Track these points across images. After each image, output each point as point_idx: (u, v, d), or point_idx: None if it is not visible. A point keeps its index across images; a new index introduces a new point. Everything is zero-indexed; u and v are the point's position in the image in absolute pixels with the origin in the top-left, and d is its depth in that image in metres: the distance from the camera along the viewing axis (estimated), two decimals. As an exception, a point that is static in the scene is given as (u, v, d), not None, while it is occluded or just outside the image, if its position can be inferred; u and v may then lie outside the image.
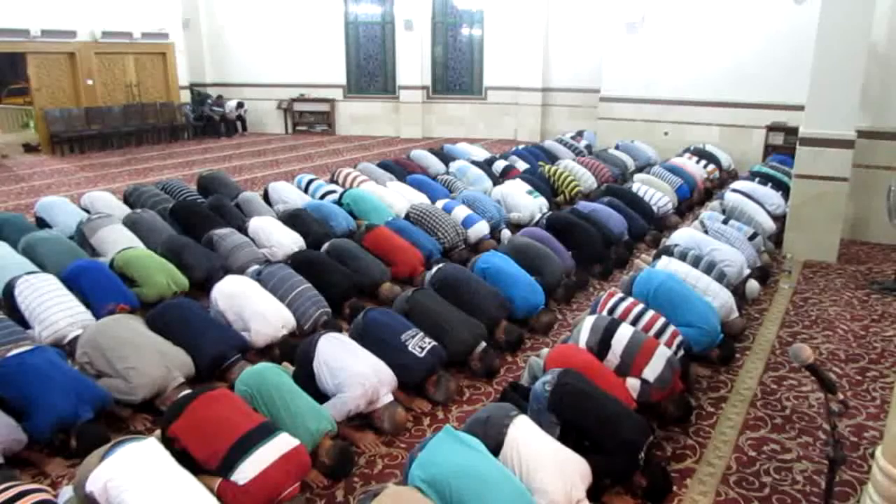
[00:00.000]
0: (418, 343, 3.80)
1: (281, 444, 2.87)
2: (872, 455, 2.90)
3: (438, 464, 2.64)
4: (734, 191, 7.07)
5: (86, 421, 3.26)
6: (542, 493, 2.64)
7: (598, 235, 6.03)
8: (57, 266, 4.74)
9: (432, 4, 14.47)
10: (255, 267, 5.02)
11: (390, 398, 3.55)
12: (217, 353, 3.84)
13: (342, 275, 5.00)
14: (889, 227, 5.75)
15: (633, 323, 3.94)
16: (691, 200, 8.20)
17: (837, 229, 6.40)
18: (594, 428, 3.05)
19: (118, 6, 13.08)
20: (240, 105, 15.01)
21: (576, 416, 3.08)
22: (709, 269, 4.80)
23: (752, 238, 5.81)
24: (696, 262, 4.88)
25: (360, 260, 5.29)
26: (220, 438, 2.83)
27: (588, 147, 11.02)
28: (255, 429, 2.90)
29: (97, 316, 4.21)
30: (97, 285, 4.49)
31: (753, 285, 5.21)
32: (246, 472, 2.73)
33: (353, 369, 3.47)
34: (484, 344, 4.16)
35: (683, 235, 5.47)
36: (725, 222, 5.93)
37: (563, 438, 3.00)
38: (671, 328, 3.95)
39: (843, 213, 6.43)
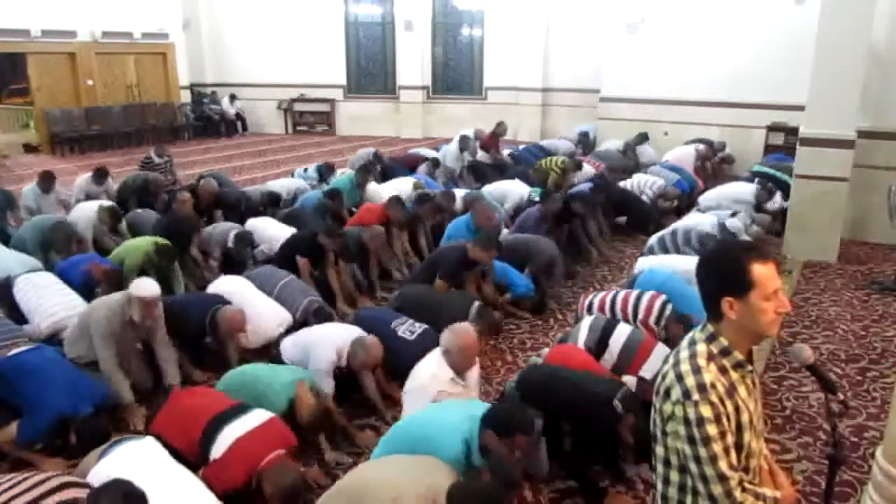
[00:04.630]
0: (408, 328, 3.89)
1: (253, 419, 2.89)
2: (872, 455, 2.90)
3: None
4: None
5: (86, 416, 3.26)
6: None
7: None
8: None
9: (432, 4, 14.46)
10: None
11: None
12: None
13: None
14: (889, 227, 5.75)
15: (612, 303, 4.06)
16: (692, 198, 8.17)
17: (837, 229, 6.40)
18: (567, 399, 3.07)
19: (118, 6, 13.07)
20: (232, 97, 14.94)
21: (547, 396, 3.11)
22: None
23: (733, 216, 5.90)
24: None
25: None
26: (195, 425, 2.87)
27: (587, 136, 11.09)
28: (228, 409, 2.94)
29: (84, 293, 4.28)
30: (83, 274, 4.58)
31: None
32: (219, 447, 2.75)
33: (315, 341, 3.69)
34: (477, 303, 4.22)
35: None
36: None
37: (549, 433, 3.04)
38: (648, 294, 4.05)
39: (843, 213, 6.43)
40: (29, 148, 12.87)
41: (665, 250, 5.21)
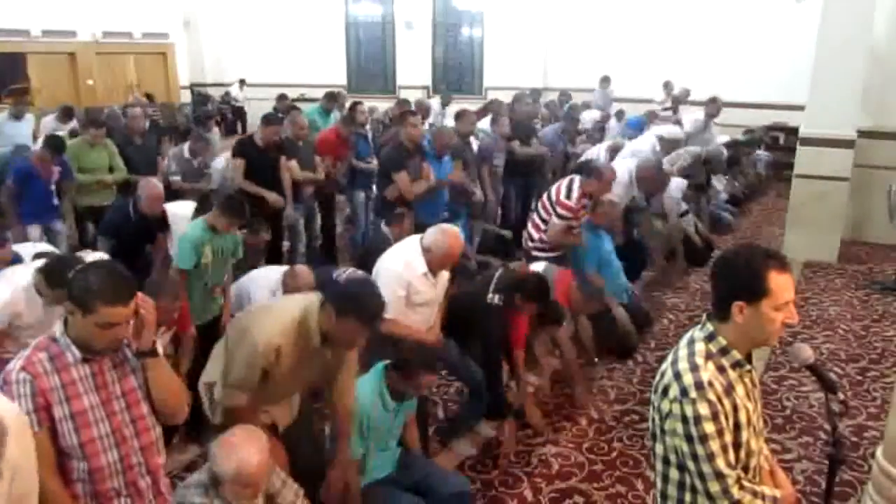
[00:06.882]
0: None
1: None
2: (872, 455, 2.90)
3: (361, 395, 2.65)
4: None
5: None
6: None
7: None
8: None
9: (432, 4, 14.45)
10: None
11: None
12: None
13: None
14: (889, 227, 5.76)
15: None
16: None
17: (837, 229, 6.40)
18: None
19: (118, 6, 13.05)
20: (242, 82, 14.75)
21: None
22: None
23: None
24: None
25: None
26: None
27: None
28: None
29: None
30: None
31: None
32: None
33: None
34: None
35: None
36: None
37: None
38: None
39: (843, 213, 6.43)
40: (29, 148, 12.85)
41: None
